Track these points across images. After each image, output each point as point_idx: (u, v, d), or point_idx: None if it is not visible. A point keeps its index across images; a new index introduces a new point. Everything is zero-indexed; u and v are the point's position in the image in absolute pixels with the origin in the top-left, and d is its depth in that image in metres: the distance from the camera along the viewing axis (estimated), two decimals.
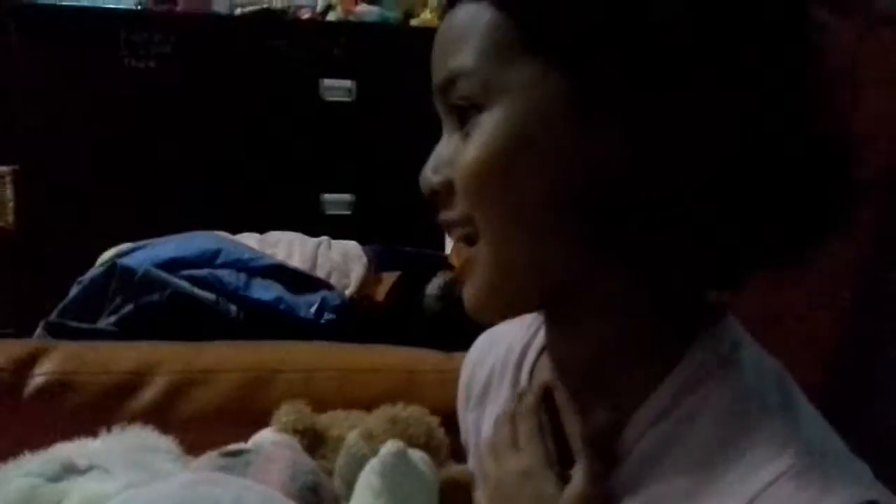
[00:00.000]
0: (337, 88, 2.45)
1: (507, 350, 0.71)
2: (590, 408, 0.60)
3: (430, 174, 0.59)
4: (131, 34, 2.31)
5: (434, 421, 0.67)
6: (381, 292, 1.61)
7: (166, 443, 0.71)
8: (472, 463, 0.72)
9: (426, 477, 0.58)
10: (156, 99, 2.34)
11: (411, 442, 0.64)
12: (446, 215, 0.58)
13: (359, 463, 0.60)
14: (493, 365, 0.73)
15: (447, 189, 0.57)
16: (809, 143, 0.52)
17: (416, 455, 0.59)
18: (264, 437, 0.72)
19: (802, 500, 0.47)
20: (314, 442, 0.74)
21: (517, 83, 0.53)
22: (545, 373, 0.66)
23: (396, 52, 2.50)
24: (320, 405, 1.01)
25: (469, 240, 0.57)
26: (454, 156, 0.57)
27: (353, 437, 0.64)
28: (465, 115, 0.56)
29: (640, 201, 0.51)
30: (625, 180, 0.51)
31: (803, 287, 0.59)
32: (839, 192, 0.53)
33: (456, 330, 1.35)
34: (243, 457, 0.65)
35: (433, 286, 1.41)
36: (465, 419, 0.75)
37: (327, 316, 1.42)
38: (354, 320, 1.42)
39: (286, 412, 0.75)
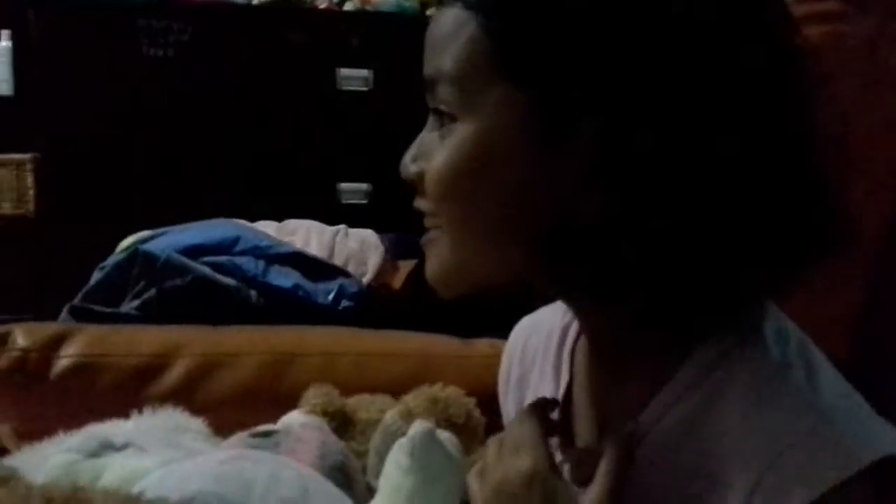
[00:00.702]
0: (354, 78, 2.45)
1: (547, 335, 0.72)
2: (622, 385, 0.61)
3: (409, 163, 0.62)
4: (150, 23, 2.32)
5: (471, 402, 0.68)
6: (397, 280, 1.62)
7: (196, 423, 0.73)
8: None
9: (454, 457, 0.59)
10: (174, 87, 2.36)
11: (450, 422, 0.65)
12: (419, 203, 0.61)
13: (396, 441, 0.61)
14: (535, 349, 0.74)
15: (420, 180, 0.60)
16: (782, 173, 0.53)
17: (445, 435, 0.60)
18: (293, 418, 0.74)
19: (823, 459, 0.49)
20: (342, 424, 0.76)
21: (488, 101, 0.55)
22: (583, 354, 0.67)
23: (413, 42, 2.48)
24: (340, 389, 1.03)
25: (435, 227, 0.61)
26: (430, 151, 0.59)
27: (391, 415, 0.65)
28: (443, 117, 0.58)
29: (591, 229, 0.54)
30: (578, 209, 0.54)
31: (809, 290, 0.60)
32: (820, 223, 0.54)
33: (473, 318, 1.36)
34: (272, 437, 0.66)
35: None
36: (506, 403, 0.76)
37: (345, 303, 1.43)
38: (372, 308, 1.43)
39: (315, 394, 0.77)
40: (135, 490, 0.56)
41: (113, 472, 0.58)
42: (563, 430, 0.65)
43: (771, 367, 0.55)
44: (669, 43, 0.52)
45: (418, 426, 0.62)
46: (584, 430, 0.65)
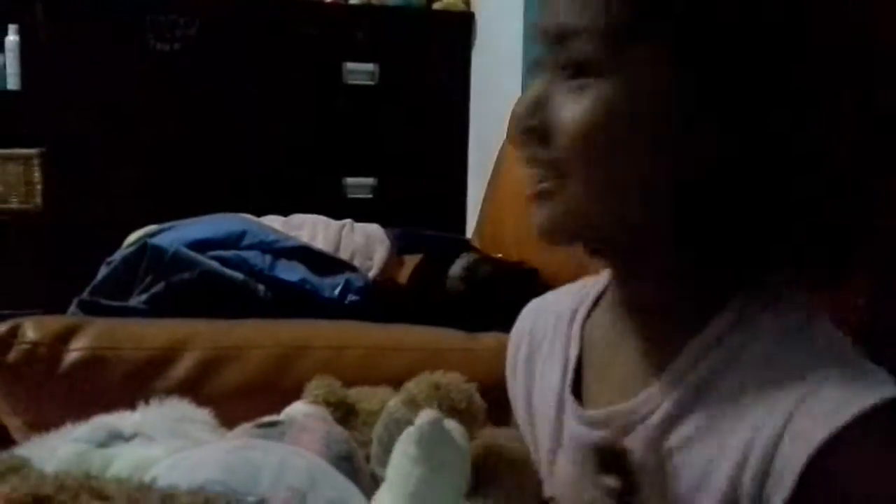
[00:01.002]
0: (360, 72, 2.46)
1: (555, 317, 0.75)
2: (653, 344, 0.64)
3: (526, 114, 0.61)
4: (157, 17, 2.33)
5: (472, 387, 0.69)
6: (403, 274, 1.63)
7: (202, 414, 0.73)
8: (522, 430, 0.76)
9: (461, 445, 0.60)
10: (181, 81, 2.37)
11: (452, 407, 0.65)
12: (536, 152, 0.62)
13: (399, 428, 0.61)
14: (543, 331, 0.76)
15: (542, 131, 0.61)
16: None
17: (451, 424, 0.60)
18: (296, 409, 0.74)
19: (846, 395, 0.53)
20: (345, 415, 0.76)
21: (636, 58, 0.57)
22: (597, 328, 0.70)
23: (419, 36, 2.51)
24: (347, 382, 1.03)
25: (552, 172, 0.61)
26: (556, 103, 0.60)
27: (394, 402, 0.66)
28: (577, 70, 0.59)
29: (722, 186, 0.57)
30: (713, 168, 0.57)
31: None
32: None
33: (479, 311, 1.37)
34: (277, 427, 0.67)
35: (457, 267, 1.42)
36: (514, 384, 0.78)
37: (351, 297, 1.43)
38: (378, 302, 1.44)
39: (318, 385, 0.77)
40: (145, 479, 0.57)
41: (122, 461, 0.58)
42: (575, 391, 0.69)
43: (793, 323, 0.59)
44: (801, 13, 0.56)
45: (425, 415, 0.62)
46: (597, 396, 0.68)
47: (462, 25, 2.51)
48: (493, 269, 1.44)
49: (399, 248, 1.76)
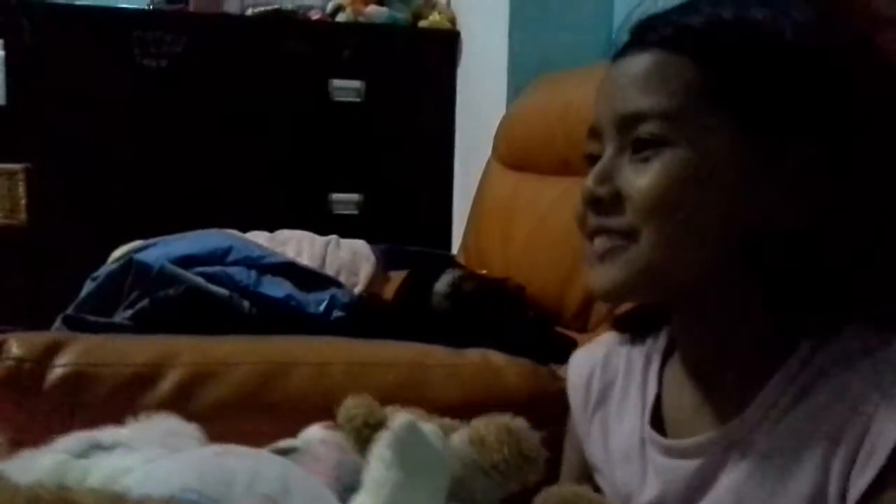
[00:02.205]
0: (346, 89, 2.47)
1: (626, 362, 0.81)
2: (716, 391, 0.70)
3: (595, 185, 0.67)
4: (143, 34, 2.33)
5: (538, 435, 0.69)
6: (389, 291, 1.63)
7: (191, 428, 0.73)
8: (598, 465, 0.81)
9: (437, 450, 0.60)
10: (167, 98, 2.37)
11: (521, 453, 0.65)
12: (604, 221, 0.67)
13: (472, 472, 0.62)
14: (613, 374, 0.81)
15: (612, 199, 0.67)
16: None
17: (428, 428, 0.60)
18: (314, 434, 0.74)
19: None
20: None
21: (701, 128, 0.64)
22: (672, 373, 0.76)
23: (405, 53, 2.52)
24: (331, 397, 1.03)
25: (620, 235, 0.67)
26: (624, 174, 0.66)
27: (460, 441, 0.66)
28: (645, 145, 0.65)
29: (787, 238, 0.63)
30: (775, 219, 0.63)
31: None
32: None
33: (464, 328, 1.38)
34: (291, 455, 0.67)
35: (442, 284, 1.43)
36: (587, 434, 0.83)
37: (336, 313, 1.43)
38: (363, 318, 1.44)
39: (355, 405, 0.75)
40: (119, 487, 0.56)
41: (99, 470, 0.58)
42: (656, 425, 0.75)
43: (870, 341, 0.63)
44: (856, 80, 0.63)
45: (401, 419, 0.62)
46: (678, 430, 0.73)
47: (448, 43, 2.52)
48: (478, 285, 1.45)
49: (385, 265, 1.77)
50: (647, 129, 0.65)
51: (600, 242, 0.68)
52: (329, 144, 2.48)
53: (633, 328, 0.80)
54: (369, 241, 1.84)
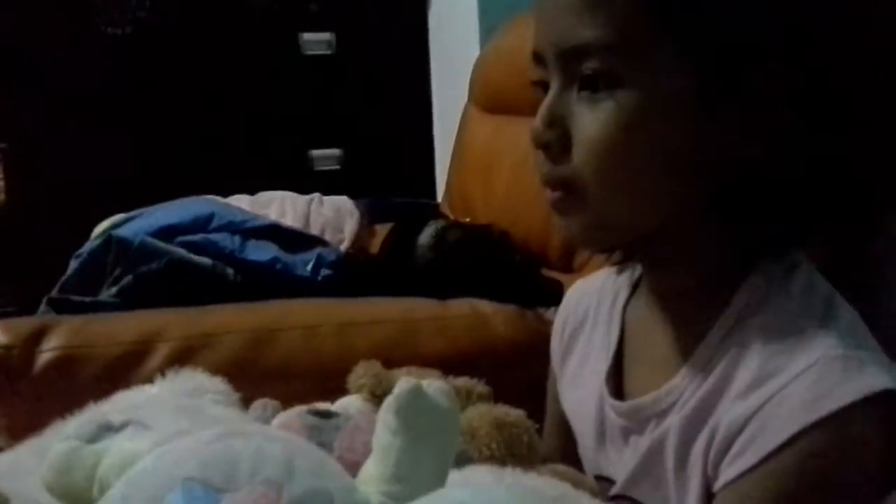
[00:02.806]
0: (317, 42, 2.42)
1: (598, 299, 0.76)
2: (682, 324, 0.66)
3: (543, 128, 0.62)
4: (105, 0, 2.28)
5: (533, 427, 0.69)
6: (375, 245, 1.62)
7: (215, 384, 0.73)
8: (564, 387, 0.78)
9: (444, 411, 0.59)
10: (135, 65, 2.32)
11: (511, 450, 0.65)
12: (556, 169, 0.62)
13: (459, 459, 0.62)
14: (586, 310, 0.77)
15: (561, 143, 0.61)
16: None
17: (434, 386, 0.59)
18: (351, 402, 0.73)
19: (827, 384, 0.54)
20: None
21: (653, 65, 0.58)
22: (636, 309, 0.72)
23: (374, 2, 2.47)
24: (321, 359, 1.04)
25: (568, 186, 0.62)
26: (574, 115, 0.61)
27: None
28: (594, 83, 0.59)
29: (743, 177, 0.59)
30: (733, 155, 0.59)
31: None
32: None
33: (451, 278, 1.38)
34: (333, 420, 0.67)
35: (425, 236, 1.42)
36: (558, 352, 0.80)
37: (324, 272, 1.43)
38: (351, 275, 1.44)
39: (363, 374, 0.75)
40: (126, 478, 0.57)
41: (110, 457, 0.59)
42: (615, 377, 0.70)
43: (795, 312, 0.60)
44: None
45: (404, 384, 0.61)
46: (637, 376, 0.69)
47: None
48: (462, 234, 1.44)
49: (370, 219, 1.76)
50: (591, 65, 0.59)
51: (552, 194, 0.63)
52: (304, 100, 2.44)
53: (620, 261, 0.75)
54: (353, 196, 1.82)
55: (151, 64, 2.33)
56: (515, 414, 0.69)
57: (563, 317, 0.81)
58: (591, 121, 0.59)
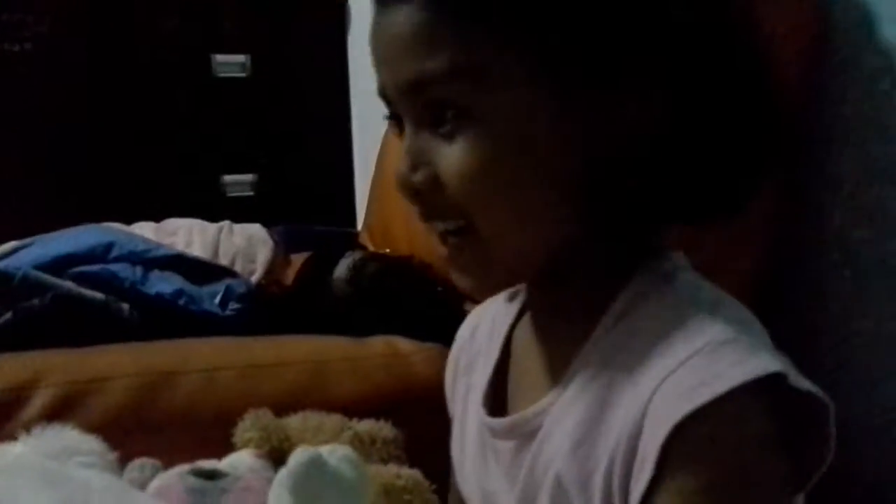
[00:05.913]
0: (230, 64, 2.37)
1: (492, 323, 0.73)
2: (557, 344, 0.63)
3: (409, 172, 0.58)
4: (2, 17, 2.17)
5: (429, 489, 0.64)
6: (291, 275, 1.56)
7: (89, 443, 0.66)
8: (456, 431, 0.73)
9: (350, 484, 0.54)
10: (34, 84, 2.22)
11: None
12: (432, 212, 0.59)
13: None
14: (481, 337, 0.74)
15: (431, 186, 0.58)
16: (748, 111, 0.58)
17: (337, 455, 0.54)
18: (241, 460, 0.66)
19: (711, 371, 0.52)
20: (284, 458, 0.68)
21: (499, 83, 0.55)
22: (521, 331, 0.69)
23: (290, 22, 2.43)
24: (223, 406, 0.95)
25: (460, 231, 0.59)
26: (434, 151, 0.57)
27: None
28: (442, 116, 0.56)
29: (616, 172, 0.57)
30: (608, 158, 0.56)
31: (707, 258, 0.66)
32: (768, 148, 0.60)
33: (368, 313, 1.31)
34: (219, 482, 0.60)
35: (342, 268, 1.35)
36: (454, 389, 0.75)
37: (232, 306, 1.36)
38: (262, 309, 1.36)
39: (249, 426, 0.68)
40: None
41: None
42: (494, 399, 0.67)
43: (680, 303, 0.58)
44: None
45: (300, 455, 0.55)
46: (517, 396, 0.66)
47: (336, 8, 2.43)
48: (381, 266, 1.38)
49: (285, 247, 1.70)
50: (435, 95, 0.56)
51: (447, 245, 0.60)
52: (217, 123, 2.38)
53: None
54: (269, 223, 1.76)
55: (52, 83, 2.23)
56: (408, 475, 0.64)
57: (457, 348, 0.77)
58: (451, 152, 0.56)
